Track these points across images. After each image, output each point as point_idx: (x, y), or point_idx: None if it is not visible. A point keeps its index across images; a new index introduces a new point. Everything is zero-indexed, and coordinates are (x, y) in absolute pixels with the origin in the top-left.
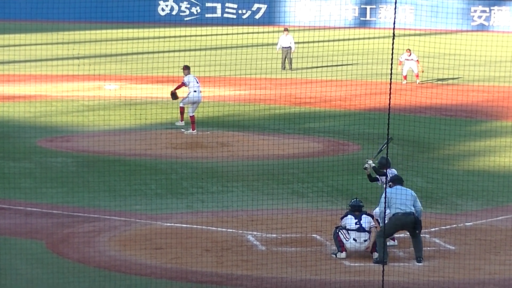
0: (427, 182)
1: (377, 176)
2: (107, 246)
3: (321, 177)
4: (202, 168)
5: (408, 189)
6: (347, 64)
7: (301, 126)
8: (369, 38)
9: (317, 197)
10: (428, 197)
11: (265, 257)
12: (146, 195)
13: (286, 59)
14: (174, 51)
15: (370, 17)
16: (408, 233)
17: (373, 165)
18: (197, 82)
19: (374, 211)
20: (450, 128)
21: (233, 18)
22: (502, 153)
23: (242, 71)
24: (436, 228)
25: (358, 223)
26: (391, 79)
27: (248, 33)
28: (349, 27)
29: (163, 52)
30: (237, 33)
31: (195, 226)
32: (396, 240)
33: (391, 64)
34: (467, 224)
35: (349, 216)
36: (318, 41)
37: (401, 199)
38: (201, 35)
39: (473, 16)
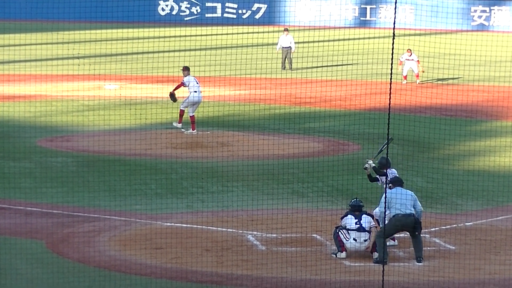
0: (427, 182)
1: (377, 176)
2: (107, 246)
3: (321, 177)
4: (202, 168)
5: (408, 190)
6: (347, 64)
7: (301, 126)
8: (369, 38)
9: (317, 197)
10: (428, 197)
11: (265, 257)
12: (146, 195)
13: (286, 59)
14: (174, 51)
15: (370, 17)
16: (408, 233)
17: (373, 165)
18: (197, 83)
19: (374, 211)
20: (450, 128)
21: (233, 18)
22: (502, 153)
23: (242, 71)
24: (436, 228)
25: (358, 223)
26: (391, 79)
27: (248, 33)
28: (349, 27)
29: (163, 52)
30: (237, 33)
31: (195, 226)
32: (396, 240)
33: (391, 64)
34: (467, 224)
35: (349, 216)
36: (318, 41)
37: (401, 200)
38: (201, 35)
39: (473, 16)
